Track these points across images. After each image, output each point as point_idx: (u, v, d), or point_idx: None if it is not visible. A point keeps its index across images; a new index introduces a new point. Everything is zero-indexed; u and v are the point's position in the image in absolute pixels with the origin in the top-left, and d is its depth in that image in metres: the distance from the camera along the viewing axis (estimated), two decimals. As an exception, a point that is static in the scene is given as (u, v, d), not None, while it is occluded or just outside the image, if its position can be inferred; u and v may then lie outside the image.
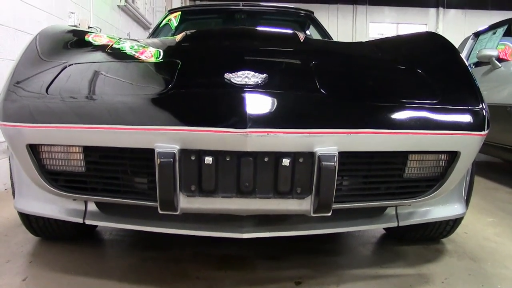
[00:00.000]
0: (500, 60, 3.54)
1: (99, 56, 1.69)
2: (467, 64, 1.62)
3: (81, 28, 2.12)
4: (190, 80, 1.45)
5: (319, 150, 1.27)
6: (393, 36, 2.24)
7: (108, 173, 1.43)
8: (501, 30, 3.83)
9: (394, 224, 1.60)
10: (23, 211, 1.68)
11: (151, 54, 1.78)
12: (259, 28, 2.39)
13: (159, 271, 1.67)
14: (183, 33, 2.06)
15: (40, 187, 1.45)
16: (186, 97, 1.36)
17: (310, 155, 1.28)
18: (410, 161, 1.43)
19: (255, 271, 1.70)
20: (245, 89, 1.33)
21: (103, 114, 1.30)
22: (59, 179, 1.44)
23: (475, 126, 1.39)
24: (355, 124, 1.30)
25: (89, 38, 1.93)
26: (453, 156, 1.43)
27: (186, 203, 1.33)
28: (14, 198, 1.73)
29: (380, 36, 10.40)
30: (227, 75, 1.40)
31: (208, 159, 1.26)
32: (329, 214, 1.35)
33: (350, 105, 1.39)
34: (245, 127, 1.22)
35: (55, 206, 1.59)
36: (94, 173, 1.43)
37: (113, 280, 1.59)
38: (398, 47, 1.92)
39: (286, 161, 1.27)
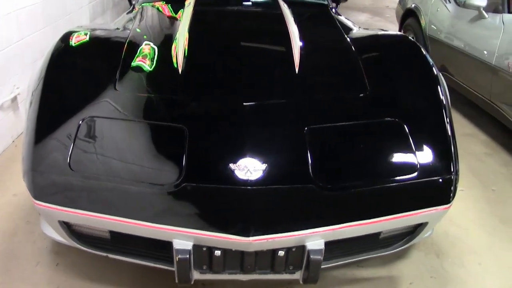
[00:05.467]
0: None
1: (108, 104, 1.75)
2: (447, 120, 1.76)
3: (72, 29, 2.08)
4: (199, 171, 1.57)
5: (309, 244, 1.52)
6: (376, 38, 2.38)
7: (130, 245, 1.67)
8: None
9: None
10: (51, 238, 1.84)
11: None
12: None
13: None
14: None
15: (66, 241, 1.68)
16: (196, 195, 1.52)
17: (301, 247, 1.54)
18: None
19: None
20: (248, 189, 1.49)
21: (127, 208, 1.50)
22: (86, 240, 1.68)
23: (445, 199, 1.62)
24: (339, 220, 1.53)
25: (72, 41, 1.98)
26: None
27: (198, 276, 1.62)
28: (41, 220, 1.89)
29: None
30: (232, 166, 1.53)
31: (217, 252, 1.52)
32: (316, 284, 1.63)
33: (336, 199, 1.56)
34: (248, 235, 1.44)
35: None
36: (117, 241, 1.66)
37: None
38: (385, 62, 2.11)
39: (281, 253, 1.54)
